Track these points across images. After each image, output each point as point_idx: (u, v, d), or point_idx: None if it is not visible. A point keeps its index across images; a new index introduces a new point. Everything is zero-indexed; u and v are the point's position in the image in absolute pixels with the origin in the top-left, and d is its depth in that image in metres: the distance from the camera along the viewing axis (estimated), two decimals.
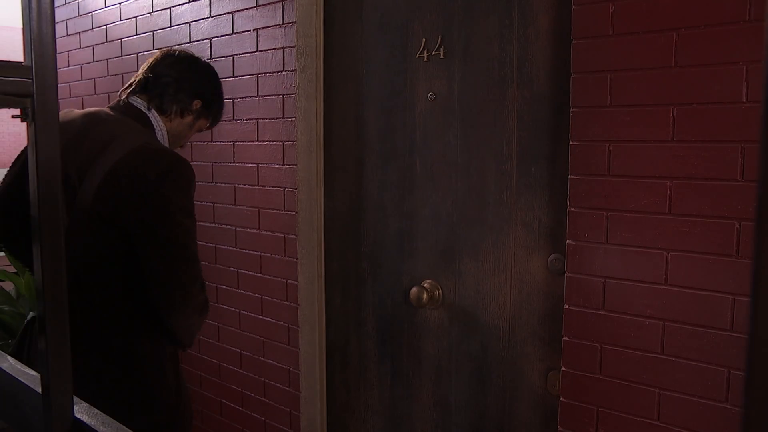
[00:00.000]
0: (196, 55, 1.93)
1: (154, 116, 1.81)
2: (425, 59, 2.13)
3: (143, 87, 1.81)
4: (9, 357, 0.97)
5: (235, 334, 2.83)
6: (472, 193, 2.05)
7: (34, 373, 0.90)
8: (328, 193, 2.47)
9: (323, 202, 2.47)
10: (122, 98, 1.81)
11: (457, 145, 2.08)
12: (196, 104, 1.89)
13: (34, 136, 0.76)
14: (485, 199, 2.03)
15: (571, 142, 1.73)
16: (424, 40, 2.13)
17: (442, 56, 2.09)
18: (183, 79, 1.85)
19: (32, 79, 0.75)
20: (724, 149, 1.50)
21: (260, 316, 2.70)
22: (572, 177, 1.73)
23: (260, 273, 2.68)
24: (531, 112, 1.90)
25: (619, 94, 1.64)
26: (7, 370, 0.92)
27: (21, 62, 0.77)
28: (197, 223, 1.76)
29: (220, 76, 2.67)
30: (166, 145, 1.83)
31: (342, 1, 2.40)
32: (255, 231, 2.68)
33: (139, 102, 1.80)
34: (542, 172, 1.89)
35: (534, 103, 1.89)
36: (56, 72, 0.77)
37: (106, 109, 1.80)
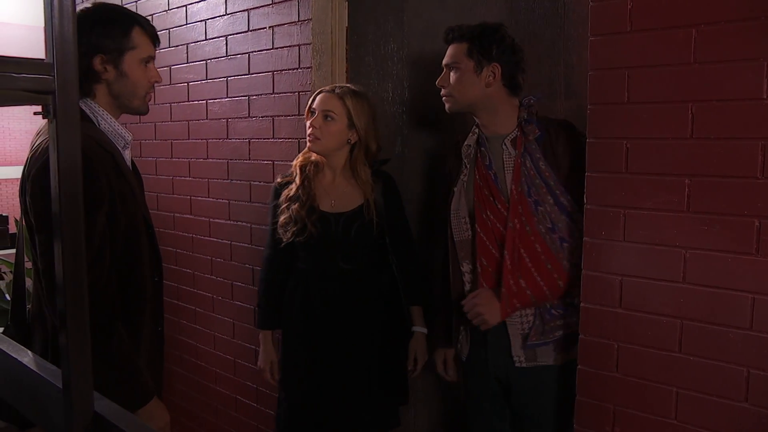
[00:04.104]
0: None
1: (87, 105, 1.67)
2: None
3: None
4: (29, 352, 0.98)
5: (249, 331, 2.84)
6: None
7: (54, 367, 0.91)
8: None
9: None
10: None
11: None
12: (99, 61, 1.65)
13: (56, 132, 0.76)
14: None
15: (587, 140, 1.72)
16: None
17: None
18: None
19: (54, 75, 0.76)
20: (743, 146, 1.48)
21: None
22: (589, 174, 1.72)
23: None
24: None
25: (637, 91, 1.63)
26: (28, 365, 0.93)
27: (43, 59, 0.77)
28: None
29: (235, 74, 2.66)
30: (112, 117, 1.69)
31: (373, 3, 2.48)
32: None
33: None
34: None
35: None
36: (77, 69, 0.77)
37: None
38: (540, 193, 1.81)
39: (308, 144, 2.18)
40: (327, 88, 2.20)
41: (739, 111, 1.48)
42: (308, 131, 2.16)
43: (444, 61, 1.95)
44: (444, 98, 1.96)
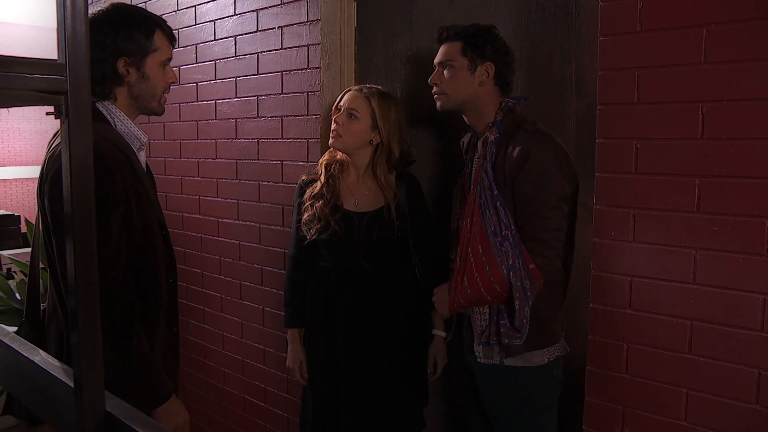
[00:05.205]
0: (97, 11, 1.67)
1: (104, 106, 1.67)
2: None
3: None
4: (41, 351, 0.99)
5: (258, 331, 2.85)
6: None
7: (66, 367, 0.91)
8: None
9: None
10: None
11: None
12: (122, 64, 1.65)
13: (68, 132, 0.77)
14: None
15: (597, 140, 1.71)
16: None
17: None
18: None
19: (66, 76, 0.76)
20: (754, 146, 1.47)
21: (283, 314, 2.71)
22: (598, 175, 1.71)
23: (284, 270, 2.69)
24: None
25: (647, 91, 1.62)
26: (40, 364, 0.93)
27: (55, 60, 0.78)
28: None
29: (244, 74, 2.65)
30: (129, 119, 1.69)
31: (382, 2, 2.46)
32: (279, 228, 2.70)
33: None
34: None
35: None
36: (89, 69, 0.77)
37: None
38: (486, 196, 1.83)
39: (330, 140, 2.19)
40: (356, 87, 2.22)
41: (751, 111, 1.47)
42: (332, 127, 2.18)
43: (436, 60, 1.96)
44: (436, 96, 1.98)
